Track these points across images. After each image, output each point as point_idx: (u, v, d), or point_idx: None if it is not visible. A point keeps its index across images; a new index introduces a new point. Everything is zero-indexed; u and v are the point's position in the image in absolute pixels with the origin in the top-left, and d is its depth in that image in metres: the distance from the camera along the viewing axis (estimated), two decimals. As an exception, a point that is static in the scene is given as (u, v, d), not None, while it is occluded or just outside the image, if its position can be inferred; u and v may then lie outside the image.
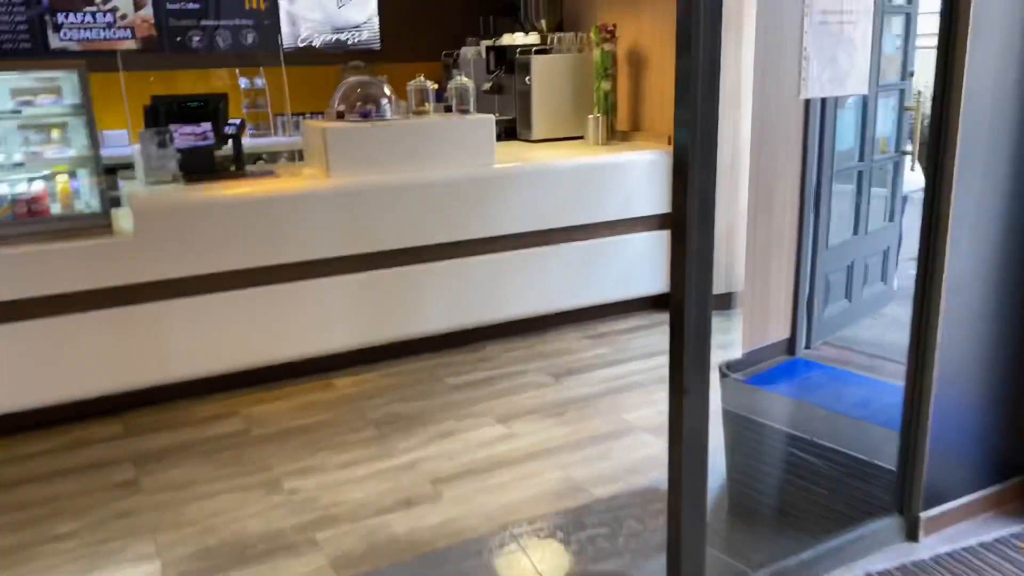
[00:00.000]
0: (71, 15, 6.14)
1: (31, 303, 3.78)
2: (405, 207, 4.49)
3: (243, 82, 6.78)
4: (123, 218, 4.16)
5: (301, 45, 6.91)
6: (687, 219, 2.03)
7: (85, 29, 6.20)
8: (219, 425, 3.93)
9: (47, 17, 6.08)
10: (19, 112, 3.95)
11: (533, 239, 4.89)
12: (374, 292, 4.51)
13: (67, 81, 4.20)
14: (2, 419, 3.84)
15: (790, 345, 4.49)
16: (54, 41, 6.14)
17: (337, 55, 7.06)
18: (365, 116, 4.60)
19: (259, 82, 6.82)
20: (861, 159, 4.68)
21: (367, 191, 4.40)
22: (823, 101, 4.22)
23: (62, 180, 4.07)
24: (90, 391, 3.99)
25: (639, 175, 5.11)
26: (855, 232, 4.77)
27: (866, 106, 4.59)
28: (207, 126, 4.57)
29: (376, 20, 7.11)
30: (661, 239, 5.26)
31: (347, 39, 7.06)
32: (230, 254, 4.14)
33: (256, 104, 6.85)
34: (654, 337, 4.90)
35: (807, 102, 4.19)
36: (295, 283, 4.32)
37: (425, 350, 4.75)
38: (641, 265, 5.24)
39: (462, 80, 4.94)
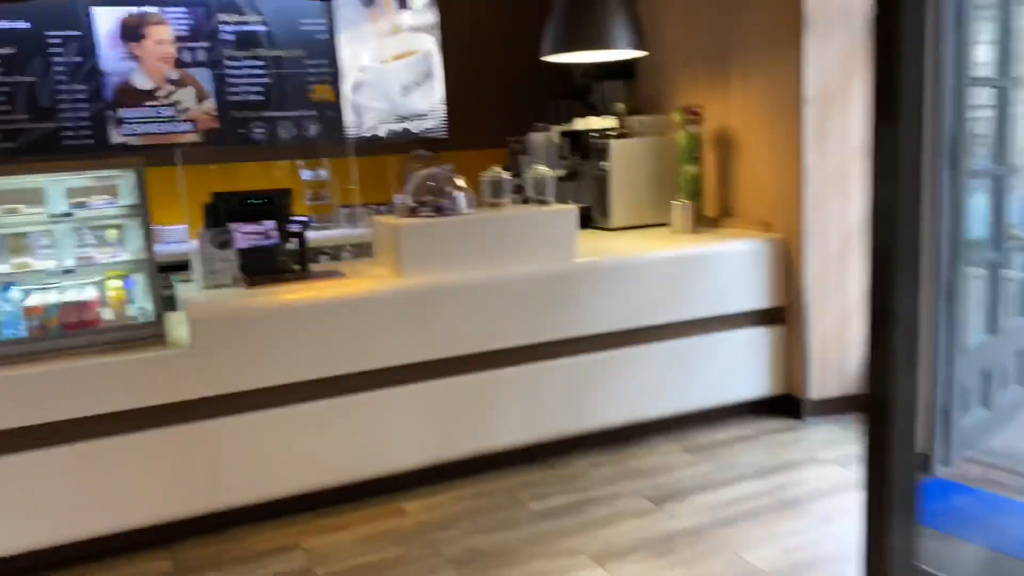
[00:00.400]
0: (133, 110, 6.01)
1: (74, 424, 3.42)
2: (480, 307, 4.08)
3: (306, 174, 6.55)
4: (178, 325, 3.82)
5: (365, 135, 6.68)
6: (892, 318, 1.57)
7: (147, 123, 6.06)
8: (278, 560, 3.47)
9: (109, 112, 5.96)
10: (71, 215, 3.67)
11: (619, 339, 4.42)
12: (446, 402, 4.07)
13: (123, 180, 3.94)
14: (38, 555, 3.44)
15: (926, 462, 3.89)
16: (115, 136, 5.99)
17: (401, 144, 6.81)
18: (439, 210, 4.24)
19: (322, 173, 6.59)
20: (994, 248, 4.14)
21: (440, 291, 4.00)
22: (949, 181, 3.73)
23: (115, 286, 3.76)
24: (137, 521, 3.58)
25: (735, 266, 4.64)
26: (990, 330, 4.19)
27: (998, 187, 4.08)
28: (270, 224, 4.26)
29: (442, 108, 6.88)
30: (761, 337, 4.74)
31: (412, 128, 6.82)
32: (292, 365, 3.75)
33: (319, 196, 6.60)
34: (760, 450, 4.34)
35: (936, 181, 3.71)
36: (361, 394, 3.90)
37: (502, 466, 4.26)
38: (739, 366, 4.72)
39: (540, 169, 4.58)
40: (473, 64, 6.96)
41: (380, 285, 3.99)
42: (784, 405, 4.85)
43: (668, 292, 4.48)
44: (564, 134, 5.78)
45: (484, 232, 4.20)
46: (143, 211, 3.73)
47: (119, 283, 3.79)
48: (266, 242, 4.23)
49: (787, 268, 4.77)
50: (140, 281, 3.92)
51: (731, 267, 4.63)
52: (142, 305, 3.89)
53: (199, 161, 6.24)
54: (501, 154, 7.03)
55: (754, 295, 4.71)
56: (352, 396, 3.89)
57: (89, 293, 3.70)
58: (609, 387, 4.38)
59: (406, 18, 6.69)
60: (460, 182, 4.33)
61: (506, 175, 4.46)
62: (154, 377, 3.52)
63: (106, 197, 3.89)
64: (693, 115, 5.03)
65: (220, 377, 3.63)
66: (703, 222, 5.17)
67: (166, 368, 3.54)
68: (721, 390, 4.70)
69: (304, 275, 4.20)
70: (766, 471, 4.06)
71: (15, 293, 3.60)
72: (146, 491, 3.56)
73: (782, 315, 4.82)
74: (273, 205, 4.33)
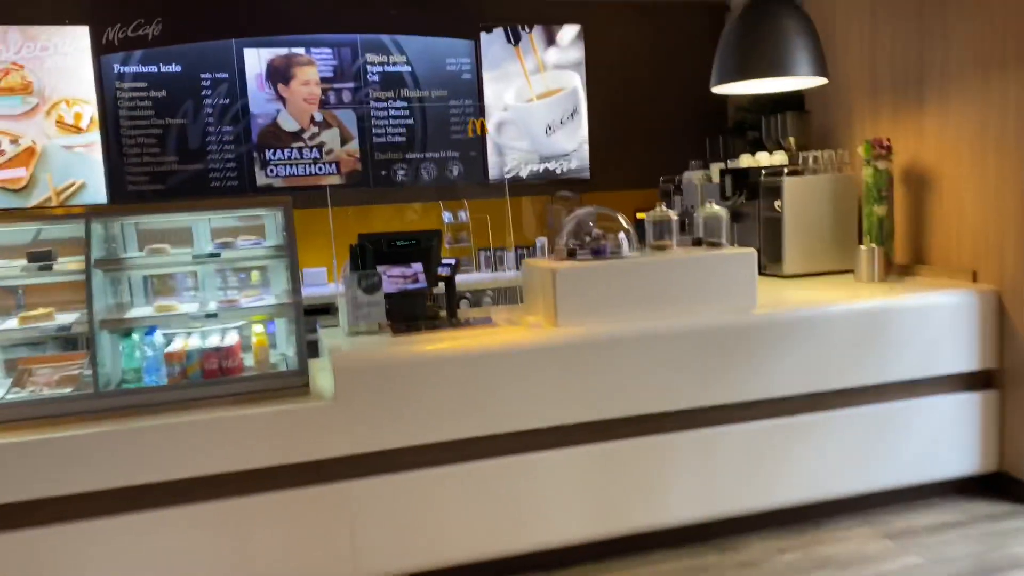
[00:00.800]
0: (278, 152, 5.95)
1: (204, 483, 3.16)
2: (645, 363, 3.61)
3: (446, 216, 6.31)
4: (321, 374, 3.55)
5: (507, 176, 6.40)
6: None
7: (291, 165, 5.99)
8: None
9: (255, 154, 5.92)
10: (217, 255, 3.48)
11: (803, 404, 3.85)
12: (605, 470, 3.60)
13: (269, 219, 3.75)
14: (169, 622, 3.18)
15: None
16: (260, 178, 5.94)
17: (544, 185, 6.49)
18: (598, 253, 3.83)
19: (463, 215, 6.34)
20: None
21: (600, 343, 3.57)
22: None
23: (258, 331, 3.53)
24: (270, 589, 3.27)
25: (937, 322, 3.99)
26: None
27: None
28: (418, 267, 3.96)
29: (586, 147, 6.53)
30: (969, 404, 4.05)
31: (555, 168, 6.50)
32: (438, 422, 3.39)
33: (459, 239, 6.35)
34: (977, 541, 3.64)
35: None
36: (511, 457, 3.50)
37: (668, 546, 3.74)
38: (943, 438, 4.03)
39: (712, 207, 4.11)
40: (619, 101, 6.60)
41: (534, 336, 3.60)
42: (998, 485, 4.12)
43: (859, 351, 3.88)
44: (725, 172, 5.29)
45: (650, 278, 3.75)
46: (290, 251, 3.49)
47: (262, 328, 3.56)
48: (413, 286, 3.94)
49: (1000, 324, 4.08)
50: (283, 326, 3.70)
51: (932, 323, 3.99)
52: (284, 351, 3.65)
53: (341, 203, 6.11)
54: (650, 195, 6.58)
55: (960, 356, 4.04)
56: (502, 459, 3.49)
57: (231, 338, 3.48)
58: (792, 458, 3.81)
59: (552, 55, 6.41)
60: (623, 222, 3.91)
61: (673, 214, 4.01)
62: (294, 431, 3.24)
63: (252, 237, 3.70)
64: (882, 149, 4.44)
65: (363, 434, 3.31)
66: (892, 270, 4.54)
67: (308, 422, 3.25)
68: (921, 465, 4.03)
69: (452, 323, 3.86)
70: (990, 569, 3.37)
71: (158, 337, 3.42)
72: (275, 557, 3.26)
73: (994, 379, 4.12)
74: (421, 247, 4.04)
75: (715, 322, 3.72)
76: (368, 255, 4.00)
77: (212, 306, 3.51)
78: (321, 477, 3.29)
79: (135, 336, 3.39)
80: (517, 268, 6.25)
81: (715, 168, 5.56)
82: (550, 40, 6.37)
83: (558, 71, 6.43)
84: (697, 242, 4.05)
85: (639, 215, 6.72)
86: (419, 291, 3.93)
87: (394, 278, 3.94)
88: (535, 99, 6.39)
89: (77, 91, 5.51)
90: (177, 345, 3.42)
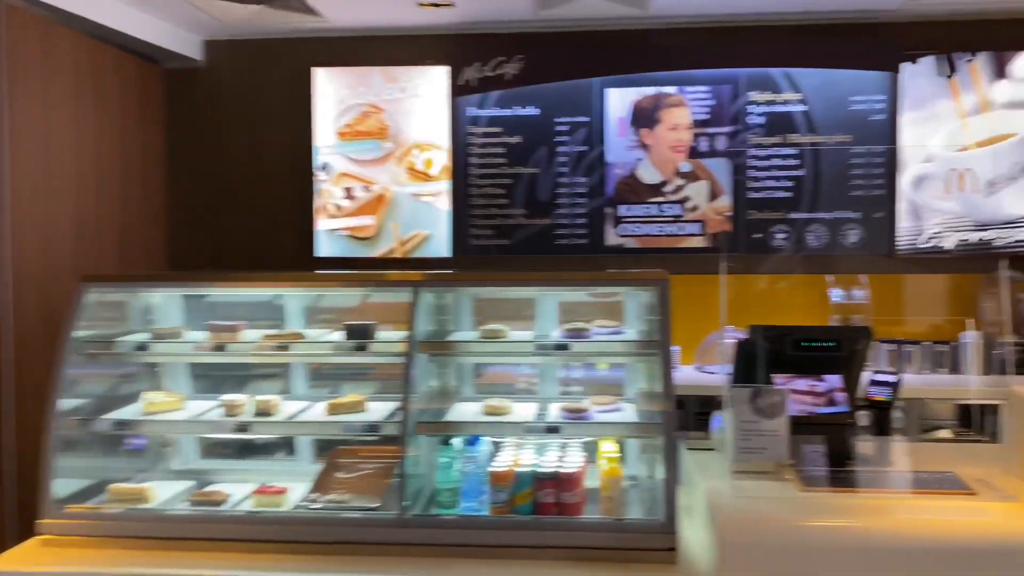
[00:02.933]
0: (634, 207, 5.07)
1: None
2: None
3: (835, 294, 4.95)
4: (686, 521, 2.48)
5: (924, 246, 4.90)
6: None
7: (647, 223, 5.07)
8: None
9: (607, 209, 5.09)
10: (565, 347, 2.57)
11: None
12: None
13: (634, 298, 2.79)
14: None
15: None
16: (610, 237, 5.10)
17: (977, 259, 4.87)
18: None
19: (858, 294, 4.93)
20: None
21: None
22: None
23: (609, 454, 2.56)
24: None
25: None
26: None
27: None
28: (835, 381, 2.75)
29: (1044, 212, 4.80)
30: None
31: (996, 239, 4.85)
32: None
33: (848, 323, 4.94)
34: None
35: None
36: None
37: None
38: None
39: None
40: (1103, 152, 4.79)
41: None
42: None
43: None
44: None
45: None
46: (663, 347, 2.49)
47: (615, 450, 2.59)
48: (827, 409, 2.73)
49: None
50: (637, 445, 2.70)
51: None
52: (636, 476, 2.64)
53: (702, 269, 5.05)
54: None
55: None
56: None
57: (574, 460, 2.55)
58: None
59: (1002, 90, 4.81)
60: None
61: None
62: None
63: (609, 323, 2.76)
64: None
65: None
66: None
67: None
68: None
69: (888, 475, 2.58)
70: None
71: (484, 448, 2.60)
72: None
73: None
74: (843, 352, 2.82)
75: None
76: (760, 355, 2.86)
77: (553, 413, 2.61)
78: None
79: (456, 443, 2.59)
80: (932, 369, 4.70)
81: None
82: (999, 71, 4.79)
83: (1009, 111, 4.81)
84: None
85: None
86: (838, 419, 2.70)
87: (800, 396, 2.76)
88: (973, 147, 4.82)
89: (430, 136, 5.12)
90: (505, 460, 2.56)
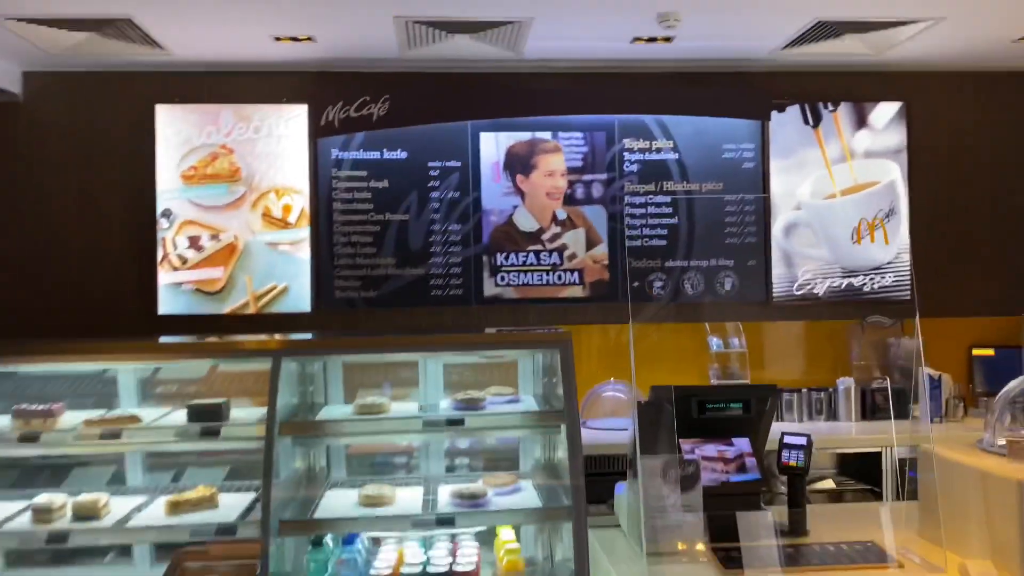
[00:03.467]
0: (511, 255, 4.82)
1: None
2: None
3: (713, 342, 4.87)
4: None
5: (796, 293, 4.91)
6: None
7: (525, 272, 4.83)
8: None
9: (485, 258, 4.82)
10: (460, 422, 2.23)
11: None
12: None
13: (527, 360, 2.50)
14: None
15: None
16: (489, 287, 4.82)
17: (847, 307, 4.93)
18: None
19: (735, 343, 4.87)
20: None
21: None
22: None
23: (509, 544, 2.22)
24: None
25: None
26: None
27: None
28: (744, 445, 2.56)
29: (906, 258, 4.92)
30: None
31: (863, 284, 4.93)
32: None
33: (727, 373, 4.87)
34: None
35: None
36: None
37: None
38: None
39: None
40: (954, 198, 4.98)
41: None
42: None
43: None
44: None
45: None
46: (569, 416, 2.20)
47: (514, 539, 2.26)
48: (740, 477, 2.52)
49: None
50: (541, 530, 2.38)
51: None
52: (533, 559, 2.33)
53: (584, 319, 4.86)
54: (992, 324, 4.87)
55: None
56: None
57: (468, 555, 2.20)
58: None
59: (863, 140, 4.94)
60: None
61: None
62: None
63: (504, 391, 2.44)
64: None
65: None
66: None
67: None
68: None
69: (814, 549, 2.38)
70: None
71: (361, 546, 2.20)
72: None
73: None
74: (752, 414, 2.63)
75: None
76: (665, 419, 2.63)
77: (444, 499, 2.26)
78: None
79: (328, 544, 2.18)
80: (811, 416, 4.67)
81: None
82: (861, 121, 4.91)
83: (870, 160, 4.93)
84: None
85: (975, 351, 5.02)
86: (750, 488, 2.50)
87: (711, 462, 2.54)
88: (839, 195, 4.91)
89: (288, 180, 4.68)
90: (388, 560, 2.17)
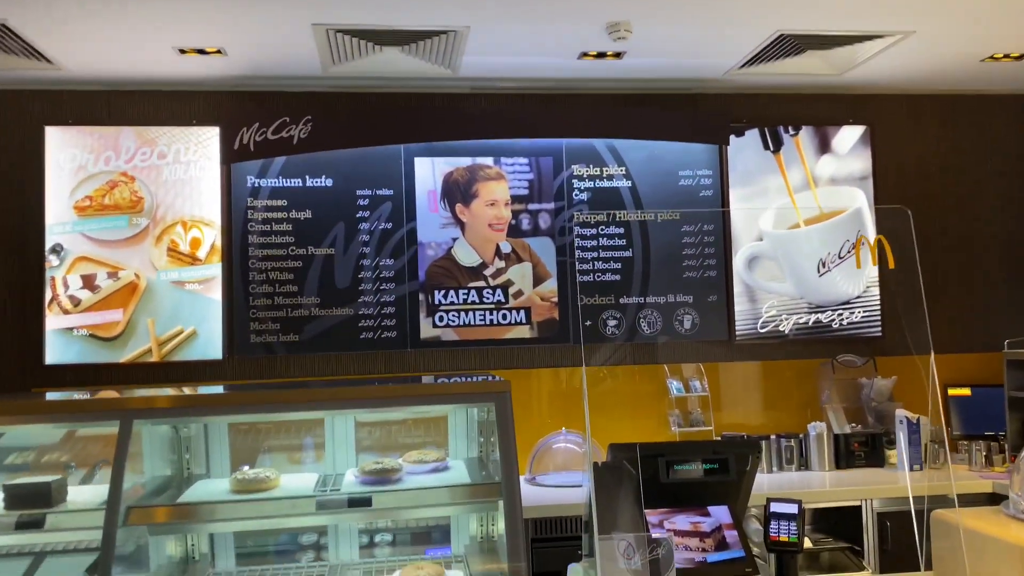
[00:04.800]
0: (451, 293, 4.35)
1: None
2: None
3: (673, 386, 4.44)
4: None
5: (762, 331, 4.52)
6: None
7: (467, 312, 4.36)
8: None
9: (421, 296, 4.34)
10: (367, 502, 1.73)
11: None
12: None
13: (457, 414, 2.02)
14: None
15: None
16: (426, 328, 4.33)
17: (815, 344, 4.55)
18: None
19: (696, 385, 4.45)
20: None
21: None
22: None
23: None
24: None
25: None
26: None
27: None
28: (723, 515, 2.12)
29: (875, 292, 4.59)
30: None
31: (831, 321, 4.56)
32: None
33: (689, 419, 4.44)
34: None
35: None
36: None
37: None
38: None
39: None
40: (926, 227, 4.66)
41: None
42: None
43: None
44: None
45: None
46: (507, 487, 1.72)
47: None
48: (720, 556, 2.06)
49: None
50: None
51: None
52: None
53: (529, 363, 4.40)
54: (969, 361, 4.54)
55: None
56: None
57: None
58: None
59: (827, 166, 4.62)
60: None
61: None
62: None
63: (428, 454, 1.96)
64: None
65: None
66: None
67: None
68: None
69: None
70: None
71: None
72: None
73: None
74: (727, 474, 2.19)
75: None
76: (626, 484, 2.18)
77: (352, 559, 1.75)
78: None
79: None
80: (781, 466, 4.25)
81: None
82: (824, 146, 4.60)
83: (835, 187, 4.61)
84: None
85: (951, 391, 4.67)
86: (737, 569, 2.04)
87: (683, 538, 2.08)
88: (802, 224, 4.56)
89: (198, 210, 4.16)
90: None
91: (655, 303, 4.50)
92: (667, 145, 4.53)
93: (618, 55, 3.99)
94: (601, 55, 3.99)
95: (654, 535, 1.98)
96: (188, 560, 2.02)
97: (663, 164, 4.54)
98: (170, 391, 1.97)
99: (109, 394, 1.83)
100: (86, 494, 1.76)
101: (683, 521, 2.10)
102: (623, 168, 4.52)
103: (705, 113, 4.56)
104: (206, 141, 4.18)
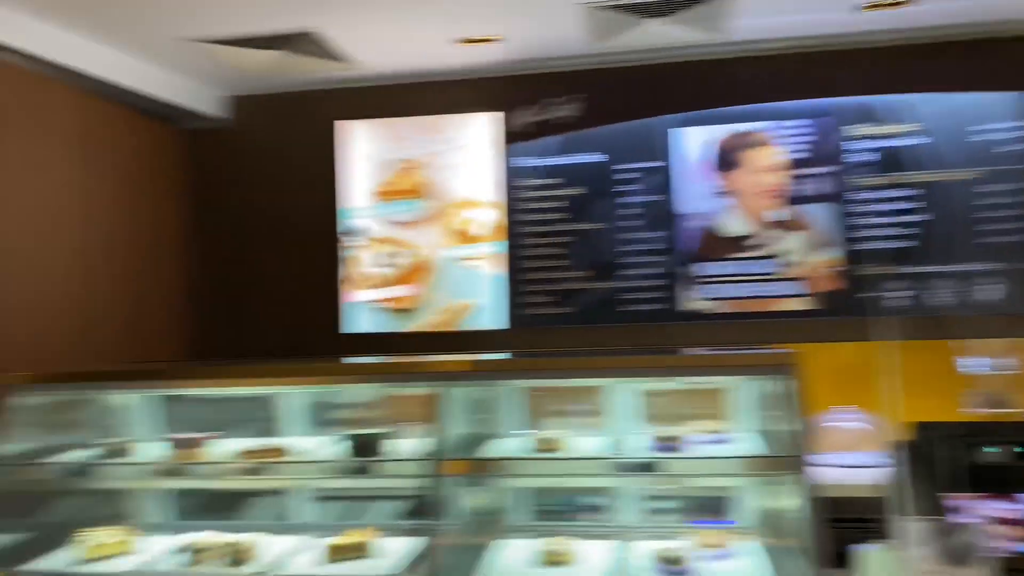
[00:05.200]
0: (716, 264, 4.27)
1: None
2: None
3: (974, 363, 4.01)
4: None
5: (1081, 302, 3.96)
6: None
7: (734, 284, 4.26)
8: None
9: (682, 268, 4.30)
10: (648, 466, 1.78)
11: None
12: None
13: (743, 387, 2.00)
14: None
15: None
16: (687, 300, 4.29)
17: None
18: None
19: (1005, 363, 3.99)
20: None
21: None
22: None
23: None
24: None
25: None
26: None
27: None
28: (1046, 505, 1.91)
29: None
30: None
31: None
32: None
33: (997, 401, 3.99)
34: None
35: None
36: None
37: None
38: None
39: None
40: None
41: None
42: None
43: None
44: None
45: None
46: (801, 467, 1.68)
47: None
48: (1040, 549, 1.87)
49: None
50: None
51: None
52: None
53: (803, 338, 4.20)
54: None
55: None
56: None
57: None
58: None
59: None
60: None
61: None
62: None
63: (712, 424, 1.97)
64: None
65: None
66: None
67: None
68: None
69: None
70: None
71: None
72: None
73: None
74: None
75: None
76: (937, 468, 2.04)
77: (636, 562, 1.81)
78: None
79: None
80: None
81: None
82: None
83: None
84: None
85: None
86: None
87: (992, 526, 1.91)
88: None
89: (476, 192, 4.44)
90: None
91: (948, 271, 4.10)
92: (958, 98, 4.08)
93: (897, 3, 3.65)
94: (896, 3, 3.66)
95: (961, 520, 1.84)
96: (481, 513, 2.21)
97: (959, 118, 4.10)
98: (481, 357, 2.14)
99: (425, 359, 2.04)
100: (405, 445, 1.98)
101: (990, 507, 1.93)
102: (909, 125, 4.15)
103: (1009, 58, 4.05)
104: (483, 126, 4.44)
